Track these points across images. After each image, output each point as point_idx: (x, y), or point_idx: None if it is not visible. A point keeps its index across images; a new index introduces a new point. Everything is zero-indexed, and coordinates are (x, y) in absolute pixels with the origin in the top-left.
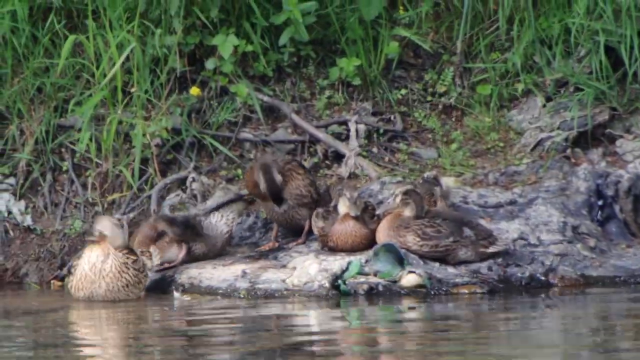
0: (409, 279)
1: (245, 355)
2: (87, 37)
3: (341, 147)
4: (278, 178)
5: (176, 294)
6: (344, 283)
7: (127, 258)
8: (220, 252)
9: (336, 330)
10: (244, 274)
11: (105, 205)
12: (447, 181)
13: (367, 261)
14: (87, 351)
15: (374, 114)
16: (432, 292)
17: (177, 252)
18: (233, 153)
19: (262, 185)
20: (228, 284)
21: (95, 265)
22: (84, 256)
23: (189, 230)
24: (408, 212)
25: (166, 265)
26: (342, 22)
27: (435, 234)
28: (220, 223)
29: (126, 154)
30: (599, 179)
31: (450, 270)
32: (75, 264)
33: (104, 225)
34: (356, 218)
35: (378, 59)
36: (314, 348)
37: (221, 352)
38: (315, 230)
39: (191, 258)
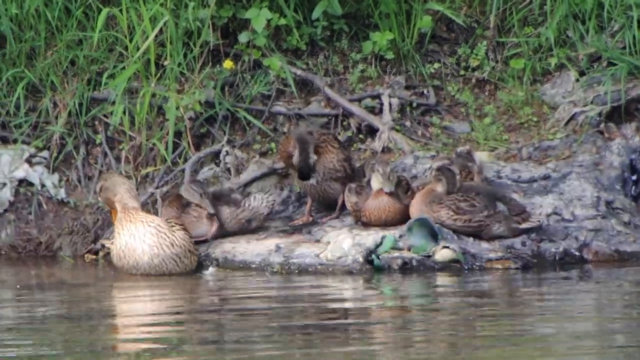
0: (442, 254)
1: (281, 329)
2: (121, 10)
3: (374, 120)
4: (313, 157)
5: (211, 269)
6: (378, 258)
7: (172, 226)
8: (253, 231)
9: (370, 305)
10: (278, 248)
11: (139, 179)
12: (481, 155)
13: (401, 236)
14: (120, 324)
15: (407, 87)
16: (466, 267)
17: (207, 227)
18: (266, 126)
19: (296, 159)
20: (262, 259)
21: (131, 232)
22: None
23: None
24: (440, 187)
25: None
26: None
27: (469, 209)
28: (261, 206)
29: (159, 127)
30: (632, 154)
31: (484, 245)
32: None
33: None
34: (390, 194)
35: (411, 33)
36: (348, 321)
37: (257, 327)
38: (348, 205)
39: (222, 234)
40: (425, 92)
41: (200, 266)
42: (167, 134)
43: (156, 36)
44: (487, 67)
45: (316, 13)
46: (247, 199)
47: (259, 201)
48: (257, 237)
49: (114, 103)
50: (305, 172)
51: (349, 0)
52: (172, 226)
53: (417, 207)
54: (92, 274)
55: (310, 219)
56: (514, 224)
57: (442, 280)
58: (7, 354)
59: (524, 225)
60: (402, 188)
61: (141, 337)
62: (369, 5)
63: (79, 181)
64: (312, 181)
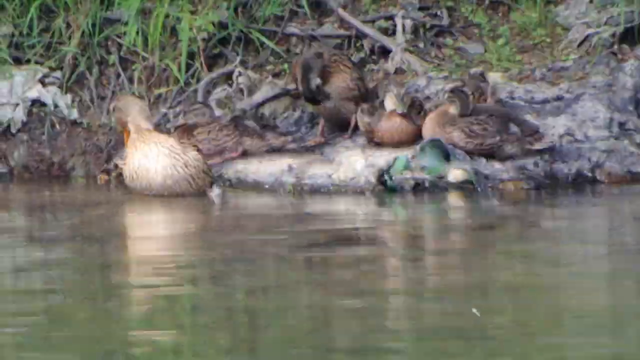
0: (455, 175)
1: (293, 248)
2: None
3: (388, 42)
4: (316, 81)
5: (216, 189)
6: (390, 178)
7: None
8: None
9: (382, 225)
10: (290, 168)
11: (152, 99)
12: (494, 77)
13: (413, 157)
14: (132, 244)
15: (420, 8)
16: (479, 188)
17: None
18: (279, 47)
19: (299, 86)
20: (274, 179)
21: (144, 152)
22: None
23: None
24: (453, 110)
25: (217, 159)
26: None
27: (482, 132)
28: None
29: (172, 48)
30: None
31: (497, 166)
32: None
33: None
34: (403, 114)
35: None
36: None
37: (268, 246)
38: (361, 126)
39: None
40: (438, 13)
41: (213, 185)
42: (180, 54)
43: None
44: None
45: None
46: (268, 134)
47: (280, 141)
48: (270, 157)
49: (127, 24)
50: (309, 98)
51: None
52: (186, 147)
53: (429, 129)
54: (105, 194)
55: (323, 139)
56: (527, 145)
57: (454, 200)
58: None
59: (537, 146)
60: (415, 109)
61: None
62: None
63: (92, 101)
64: (328, 104)
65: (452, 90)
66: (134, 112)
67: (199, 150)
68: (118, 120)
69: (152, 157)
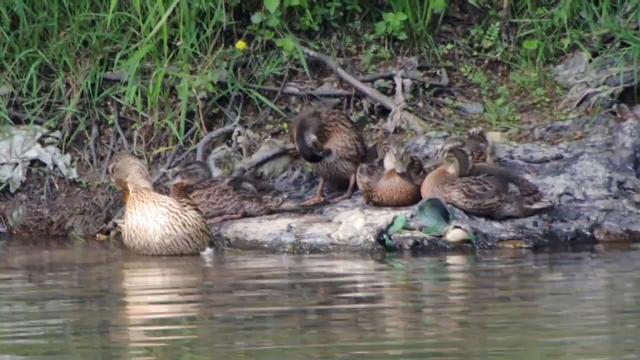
0: (454, 234)
1: (292, 309)
2: None
3: (387, 101)
4: (311, 138)
5: (208, 250)
6: (389, 238)
7: (184, 206)
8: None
9: (381, 285)
10: (290, 228)
11: (151, 159)
12: (493, 136)
13: (412, 216)
14: (131, 303)
15: (419, 68)
16: (478, 247)
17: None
18: (279, 107)
19: (296, 146)
20: (273, 238)
21: (143, 212)
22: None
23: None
24: (452, 169)
25: (217, 219)
26: None
27: (481, 192)
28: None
29: (172, 107)
30: None
31: (496, 225)
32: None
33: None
34: (402, 174)
35: (424, 14)
36: (359, 298)
37: (267, 306)
38: (360, 186)
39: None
40: (438, 73)
41: (212, 245)
42: (180, 114)
43: (169, 17)
44: (500, 47)
45: None
46: (265, 197)
47: (276, 202)
48: (269, 217)
49: (126, 83)
50: (308, 156)
51: None
52: (184, 205)
53: (428, 188)
54: (104, 254)
55: (322, 199)
56: (525, 205)
57: (454, 260)
58: (19, 333)
59: (536, 206)
60: (414, 169)
61: (151, 317)
62: None
63: (91, 161)
64: (327, 160)
65: (451, 150)
66: (132, 171)
67: (197, 208)
68: (117, 180)
69: (150, 216)
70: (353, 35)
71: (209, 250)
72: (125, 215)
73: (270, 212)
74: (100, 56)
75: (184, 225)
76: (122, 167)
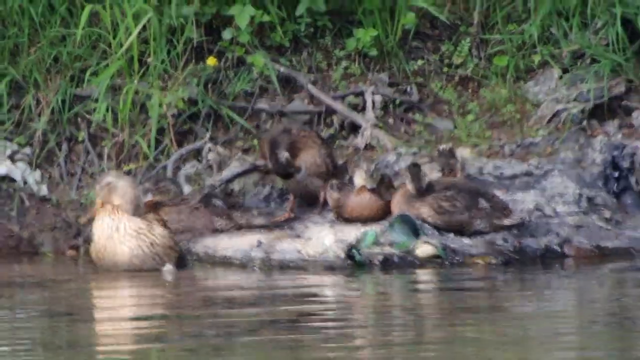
0: (424, 250)
1: (261, 324)
2: (104, 7)
3: (357, 118)
4: (284, 155)
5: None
6: (359, 253)
7: (151, 222)
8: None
9: (351, 300)
10: (260, 243)
11: None
12: (463, 152)
13: (382, 232)
14: (100, 320)
15: (390, 84)
16: (447, 263)
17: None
18: (249, 124)
19: (269, 164)
20: (243, 254)
21: (110, 233)
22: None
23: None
24: (409, 186)
25: (187, 236)
26: None
27: (451, 208)
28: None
29: (142, 124)
30: (614, 151)
31: (466, 241)
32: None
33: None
34: (372, 190)
35: (395, 30)
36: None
37: (235, 322)
38: (330, 202)
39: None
40: (408, 89)
41: (182, 260)
42: (150, 131)
43: (139, 33)
44: (470, 64)
45: (300, 9)
46: (235, 213)
47: (246, 220)
48: (239, 233)
49: (97, 100)
50: (281, 173)
51: None
52: (152, 223)
53: (398, 204)
54: (74, 270)
55: (292, 215)
56: (496, 220)
57: (423, 276)
58: None
59: (506, 222)
60: (385, 185)
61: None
62: (352, 2)
63: (61, 178)
64: (298, 178)
65: (407, 167)
66: (126, 198)
67: (165, 224)
68: (104, 196)
69: (117, 238)
70: (324, 51)
71: (169, 267)
72: (94, 233)
73: (240, 228)
74: (70, 72)
75: (152, 245)
76: (120, 190)
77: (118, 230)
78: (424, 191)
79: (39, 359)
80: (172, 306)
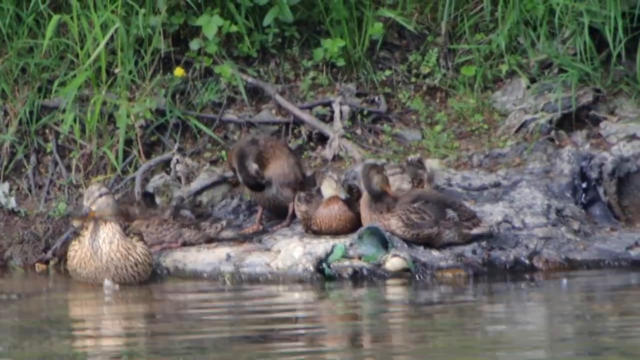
0: (393, 263)
1: (230, 338)
2: (72, 17)
3: (325, 128)
4: (253, 167)
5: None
6: (329, 267)
7: (132, 238)
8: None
9: (320, 314)
10: (228, 257)
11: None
12: (431, 163)
13: (351, 244)
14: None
15: (358, 95)
16: (417, 276)
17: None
18: (217, 134)
19: (239, 177)
20: (212, 267)
21: (99, 247)
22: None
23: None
24: (362, 189)
25: (157, 247)
26: (326, 3)
27: (419, 221)
28: (217, 232)
29: (110, 135)
30: (583, 161)
31: (435, 253)
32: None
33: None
34: (343, 201)
35: (362, 40)
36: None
37: (204, 335)
38: (299, 214)
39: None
40: (376, 99)
41: (154, 274)
42: (118, 142)
43: (107, 43)
44: (438, 74)
45: (267, 20)
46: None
47: (215, 229)
48: (208, 246)
49: (64, 111)
50: (251, 184)
51: (300, 7)
52: (132, 237)
53: (365, 215)
54: (43, 283)
55: (261, 227)
56: (465, 230)
57: (393, 289)
58: None
59: (475, 231)
60: (353, 196)
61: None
62: (320, 12)
63: (30, 190)
64: (268, 191)
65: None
66: (114, 212)
67: (143, 239)
68: (101, 210)
69: (103, 255)
70: (291, 61)
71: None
72: (78, 243)
73: (209, 240)
74: (38, 83)
75: (136, 265)
76: (111, 205)
77: (111, 245)
78: (379, 194)
79: None
80: (142, 321)
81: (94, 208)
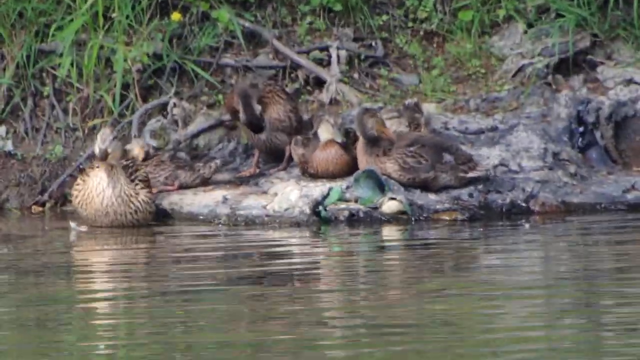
0: (389, 206)
1: (227, 280)
2: None
3: (322, 73)
4: (257, 107)
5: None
6: (325, 209)
7: (137, 185)
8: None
9: (317, 256)
10: (225, 199)
11: (86, 131)
12: (428, 107)
13: (348, 187)
14: (69, 276)
15: (355, 39)
16: (413, 219)
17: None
18: (214, 78)
19: (242, 116)
20: (209, 210)
21: (103, 190)
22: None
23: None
24: (359, 134)
25: (162, 188)
26: None
27: (416, 165)
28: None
29: (107, 79)
30: (579, 106)
31: (431, 197)
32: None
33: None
34: (340, 144)
35: None
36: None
37: (205, 279)
38: (295, 157)
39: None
40: (373, 44)
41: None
42: (115, 86)
43: None
44: (435, 18)
45: None
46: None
47: (209, 168)
48: (205, 189)
49: (61, 55)
50: (254, 125)
51: None
52: (136, 185)
53: (362, 159)
54: (40, 226)
55: (258, 170)
56: (461, 173)
57: (389, 232)
58: None
59: (471, 174)
60: (350, 140)
61: (89, 289)
62: None
63: (27, 133)
64: (263, 135)
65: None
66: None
67: (148, 186)
68: (114, 154)
69: (108, 198)
70: (288, 6)
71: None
72: (85, 181)
73: (205, 182)
74: (35, 27)
75: (136, 212)
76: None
77: (114, 190)
78: (375, 138)
79: (4, 316)
80: (139, 262)
81: (109, 150)
